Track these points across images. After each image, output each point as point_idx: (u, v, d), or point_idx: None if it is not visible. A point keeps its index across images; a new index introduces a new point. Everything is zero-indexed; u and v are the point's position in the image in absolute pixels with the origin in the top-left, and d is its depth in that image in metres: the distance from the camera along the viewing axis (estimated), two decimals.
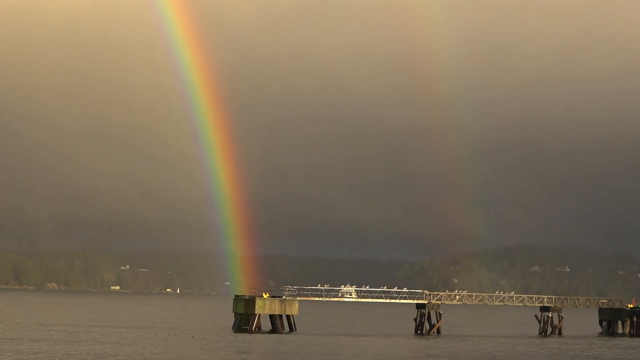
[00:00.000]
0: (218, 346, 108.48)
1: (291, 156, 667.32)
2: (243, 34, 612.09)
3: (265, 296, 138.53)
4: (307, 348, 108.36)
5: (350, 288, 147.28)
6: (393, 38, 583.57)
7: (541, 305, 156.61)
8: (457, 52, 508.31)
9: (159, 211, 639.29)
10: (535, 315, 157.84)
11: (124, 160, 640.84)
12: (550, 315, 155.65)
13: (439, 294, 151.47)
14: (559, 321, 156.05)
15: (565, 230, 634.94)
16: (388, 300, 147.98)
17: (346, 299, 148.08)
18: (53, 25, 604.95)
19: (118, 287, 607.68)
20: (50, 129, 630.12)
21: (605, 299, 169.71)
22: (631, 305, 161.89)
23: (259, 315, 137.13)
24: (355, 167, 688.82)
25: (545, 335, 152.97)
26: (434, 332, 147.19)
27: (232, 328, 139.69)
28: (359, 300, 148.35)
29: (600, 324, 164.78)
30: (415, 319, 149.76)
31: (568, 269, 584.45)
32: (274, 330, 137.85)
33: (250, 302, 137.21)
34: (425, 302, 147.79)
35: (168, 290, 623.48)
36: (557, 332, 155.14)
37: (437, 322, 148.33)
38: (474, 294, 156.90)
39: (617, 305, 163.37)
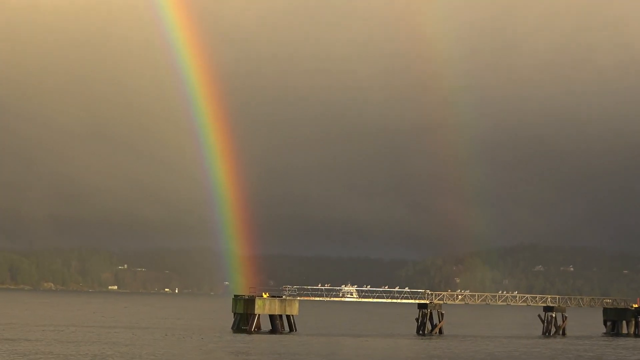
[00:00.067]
0: (216, 347, 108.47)
1: (291, 155, 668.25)
2: (243, 33, 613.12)
3: (265, 296, 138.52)
4: (308, 349, 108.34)
5: (351, 288, 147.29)
6: (393, 37, 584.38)
7: (545, 305, 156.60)
8: (458, 51, 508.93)
9: (157, 210, 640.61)
10: (539, 315, 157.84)
11: (122, 159, 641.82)
12: (553, 315, 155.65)
13: (441, 294, 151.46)
14: (563, 321, 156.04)
15: (569, 229, 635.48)
16: (389, 300, 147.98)
17: (347, 299, 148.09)
18: (52, 24, 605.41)
19: (116, 287, 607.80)
20: (47, 128, 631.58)
21: (609, 299, 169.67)
22: (636, 305, 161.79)
23: (259, 315, 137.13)
24: (356, 166, 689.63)
25: (549, 336, 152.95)
26: (436, 333, 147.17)
27: (232, 328, 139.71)
28: (360, 300, 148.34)
29: (605, 324, 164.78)
30: (417, 319, 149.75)
31: (572, 269, 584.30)
32: (273, 330, 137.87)
33: (249, 302, 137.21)
34: (427, 302, 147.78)
35: (166, 290, 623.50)
36: (560, 332, 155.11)
37: (440, 322, 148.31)
38: (476, 293, 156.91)
39: (622, 305, 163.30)
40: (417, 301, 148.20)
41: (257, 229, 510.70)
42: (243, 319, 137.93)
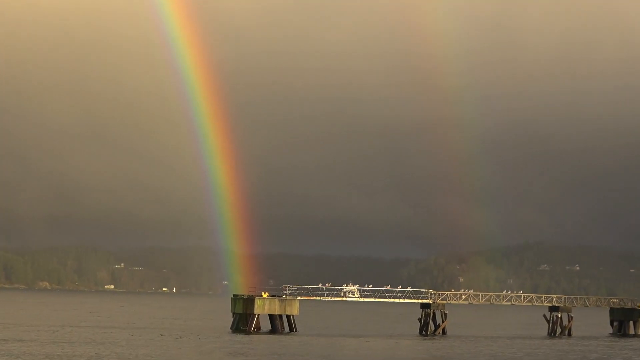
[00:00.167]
0: (215, 347, 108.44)
1: (292, 153, 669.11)
2: (242, 31, 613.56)
3: (264, 295, 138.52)
4: (308, 349, 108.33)
5: (352, 287, 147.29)
6: (395, 34, 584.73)
7: (550, 305, 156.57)
8: (460, 48, 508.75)
9: (155, 208, 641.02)
10: (544, 316, 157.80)
11: (119, 157, 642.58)
12: (559, 316, 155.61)
13: (444, 294, 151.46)
14: (569, 321, 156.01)
15: (575, 227, 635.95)
16: (391, 300, 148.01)
17: (348, 299, 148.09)
18: (48, 23, 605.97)
19: (112, 286, 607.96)
20: (43, 127, 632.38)
21: (616, 299, 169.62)
22: None
23: (258, 315, 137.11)
24: (357, 165, 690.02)
25: (554, 336, 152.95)
26: (439, 333, 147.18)
27: (231, 328, 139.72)
28: (362, 299, 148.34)
29: (611, 324, 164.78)
30: (419, 319, 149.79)
31: (578, 268, 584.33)
32: (273, 330, 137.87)
33: (249, 301, 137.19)
34: (430, 301, 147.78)
35: (164, 289, 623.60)
36: (566, 332, 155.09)
37: (443, 322, 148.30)
38: (480, 293, 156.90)
39: (629, 305, 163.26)
40: (419, 301, 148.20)
41: (257, 228, 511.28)
42: (242, 319, 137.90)
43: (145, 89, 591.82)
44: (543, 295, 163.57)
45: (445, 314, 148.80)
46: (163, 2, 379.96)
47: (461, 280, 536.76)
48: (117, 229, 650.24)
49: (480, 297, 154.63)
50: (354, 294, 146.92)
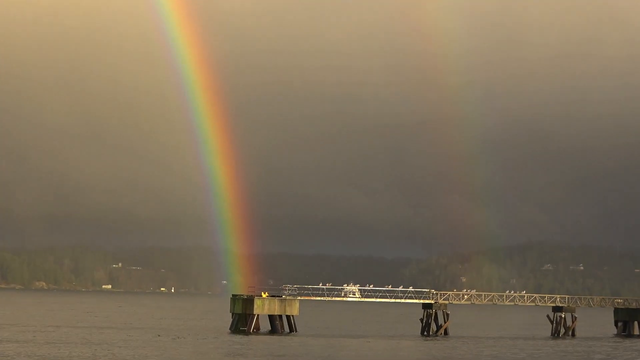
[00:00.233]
0: (213, 348, 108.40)
1: (292, 152, 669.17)
2: (241, 30, 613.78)
3: (264, 295, 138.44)
4: (308, 350, 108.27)
5: (353, 287, 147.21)
6: (396, 31, 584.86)
7: (554, 305, 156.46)
8: (462, 46, 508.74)
9: (153, 207, 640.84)
10: (548, 316, 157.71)
11: (116, 156, 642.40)
12: (563, 316, 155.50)
13: (446, 294, 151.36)
14: (573, 322, 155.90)
15: (579, 227, 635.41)
16: (393, 300, 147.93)
17: (349, 299, 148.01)
18: (48, 21, 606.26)
19: (110, 286, 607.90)
20: (39, 126, 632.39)
21: (620, 299, 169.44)
22: None
23: (258, 315, 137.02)
24: (359, 163, 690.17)
25: (558, 337, 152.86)
26: (441, 334, 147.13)
27: (230, 329, 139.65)
28: (363, 300, 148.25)
29: (616, 324, 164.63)
30: (421, 320, 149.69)
31: (582, 267, 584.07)
32: (273, 331, 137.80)
33: (248, 301, 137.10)
34: (432, 301, 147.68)
35: (162, 289, 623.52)
36: (570, 333, 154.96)
37: (445, 323, 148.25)
38: (483, 293, 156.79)
39: (634, 305, 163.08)
40: (421, 301, 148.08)
41: (257, 227, 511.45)
42: (241, 319, 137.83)
43: (144, 88, 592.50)
44: (546, 295, 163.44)
45: (447, 315, 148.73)
46: (162, 1, 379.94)
47: (463, 280, 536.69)
48: (114, 228, 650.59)
49: (483, 297, 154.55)
50: (354, 294, 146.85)
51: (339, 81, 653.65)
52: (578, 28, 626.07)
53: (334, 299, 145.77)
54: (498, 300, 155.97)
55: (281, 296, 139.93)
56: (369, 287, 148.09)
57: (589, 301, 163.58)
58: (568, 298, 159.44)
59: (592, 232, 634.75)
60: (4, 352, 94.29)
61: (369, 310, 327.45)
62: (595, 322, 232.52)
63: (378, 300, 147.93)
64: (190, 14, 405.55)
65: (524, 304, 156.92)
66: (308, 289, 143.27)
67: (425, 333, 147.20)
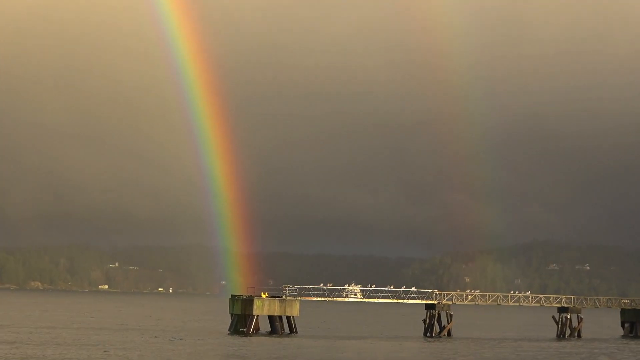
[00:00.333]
0: (212, 349, 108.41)
1: (292, 150, 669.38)
2: (241, 28, 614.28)
3: (264, 296, 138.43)
4: (308, 351, 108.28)
5: (354, 287, 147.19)
6: (398, 29, 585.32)
7: (559, 305, 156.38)
8: (467, 43, 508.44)
9: (151, 205, 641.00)
10: (553, 317, 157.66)
11: (115, 155, 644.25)
12: (568, 317, 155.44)
13: (449, 294, 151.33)
14: (578, 323, 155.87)
15: (585, 225, 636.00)
16: (395, 301, 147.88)
17: (350, 299, 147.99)
18: (44, 19, 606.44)
19: (106, 286, 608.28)
20: (35, 125, 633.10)
21: (627, 299, 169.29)
22: None
23: (257, 316, 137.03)
24: (360, 162, 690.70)
25: (564, 338, 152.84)
26: (444, 335, 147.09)
27: (229, 330, 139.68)
28: (364, 300, 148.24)
29: (623, 325, 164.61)
30: (424, 321, 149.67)
31: (588, 267, 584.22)
32: (273, 332, 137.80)
33: (248, 302, 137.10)
34: (435, 302, 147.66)
35: (160, 289, 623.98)
36: (576, 334, 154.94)
37: (448, 324, 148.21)
38: (487, 293, 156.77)
39: None
40: (424, 301, 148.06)
41: (256, 226, 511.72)
42: (241, 320, 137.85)
43: (142, 86, 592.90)
44: (552, 295, 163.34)
45: (451, 315, 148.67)
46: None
47: (467, 280, 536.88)
48: (111, 227, 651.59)
49: (487, 297, 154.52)
50: (356, 295, 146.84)
51: (339, 80, 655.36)
52: (586, 24, 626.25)
53: (335, 299, 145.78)
54: (502, 300, 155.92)
55: (281, 296, 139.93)
56: (370, 287, 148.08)
57: (595, 302, 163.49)
58: (574, 298, 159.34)
59: (598, 231, 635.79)
60: None
61: (370, 311, 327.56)
62: (602, 323, 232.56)
63: (380, 300, 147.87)
64: (189, 13, 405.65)
65: (528, 304, 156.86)
66: (309, 290, 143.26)
67: (428, 334, 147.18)
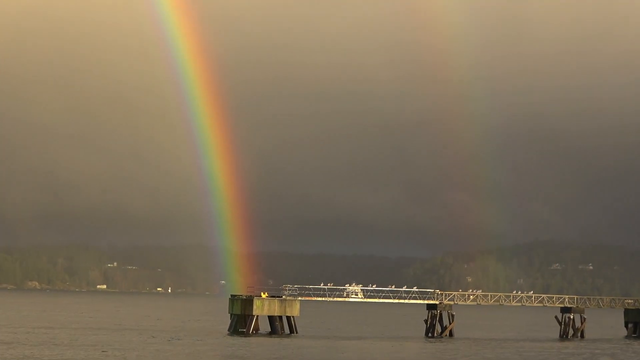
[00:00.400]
0: (211, 350, 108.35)
1: (292, 150, 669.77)
2: (241, 27, 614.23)
3: (263, 296, 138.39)
4: (309, 352, 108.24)
5: (355, 287, 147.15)
6: (400, 27, 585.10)
7: (562, 305, 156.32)
8: (469, 42, 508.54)
9: (150, 205, 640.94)
10: (556, 317, 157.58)
11: (113, 154, 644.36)
12: (571, 317, 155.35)
13: (451, 294, 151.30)
14: (581, 323, 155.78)
15: (588, 225, 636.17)
16: (396, 301, 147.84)
17: (351, 299, 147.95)
18: (41, 17, 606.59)
19: (105, 286, 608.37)
20: (33, 124, 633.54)
21: (631, 299, 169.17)
22: None
23: (257, 316, 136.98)
24: (361, 161, 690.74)
25: (566, 339, 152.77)
26: (446, 335, 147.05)
27: (228, 330, 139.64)
28: (365, 300, 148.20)
29: (626, 326, 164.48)
30: (425, 321, 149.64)
31: (591, 267, 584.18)
32: (273, 332, 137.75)
33: (247, 302, 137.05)
34: (437, 302, 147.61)
35: (159, 289, 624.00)
36: (579, 335, 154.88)
37: (450, 324, 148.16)
38: (489, 293, 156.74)
39: None
40: (425, 302, 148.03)
41: (256, 225, 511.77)
42: (240, 320, 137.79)
43: (141, 85, 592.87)
44: (555, 295, 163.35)
45: (453, 315, 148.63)
46: None
47: (469, 280, 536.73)
48: (109, 227, 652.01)
49: (489, 297, 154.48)
50: (357, 295, 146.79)
51: (339, 79, 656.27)
52: (589, 22, 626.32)
53: (335, 299, 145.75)
54: (505, 300, 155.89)
55: (281, 296, 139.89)
56: (371, 287, 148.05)
57: (598, 302, 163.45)
58: (577, 298, 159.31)
59: (601, 230, 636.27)
60: None
61: (371, 311, 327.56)
62: (605, 323, 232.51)
63: (381, 300, 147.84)
64: (189, 12, 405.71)
65: (531, 304, 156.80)
66: (309, 289, 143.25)
67: (430, 334, 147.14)
